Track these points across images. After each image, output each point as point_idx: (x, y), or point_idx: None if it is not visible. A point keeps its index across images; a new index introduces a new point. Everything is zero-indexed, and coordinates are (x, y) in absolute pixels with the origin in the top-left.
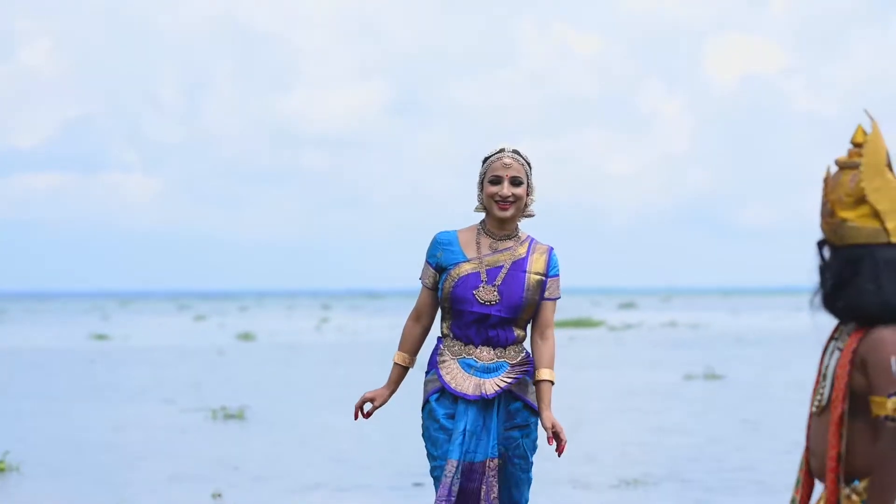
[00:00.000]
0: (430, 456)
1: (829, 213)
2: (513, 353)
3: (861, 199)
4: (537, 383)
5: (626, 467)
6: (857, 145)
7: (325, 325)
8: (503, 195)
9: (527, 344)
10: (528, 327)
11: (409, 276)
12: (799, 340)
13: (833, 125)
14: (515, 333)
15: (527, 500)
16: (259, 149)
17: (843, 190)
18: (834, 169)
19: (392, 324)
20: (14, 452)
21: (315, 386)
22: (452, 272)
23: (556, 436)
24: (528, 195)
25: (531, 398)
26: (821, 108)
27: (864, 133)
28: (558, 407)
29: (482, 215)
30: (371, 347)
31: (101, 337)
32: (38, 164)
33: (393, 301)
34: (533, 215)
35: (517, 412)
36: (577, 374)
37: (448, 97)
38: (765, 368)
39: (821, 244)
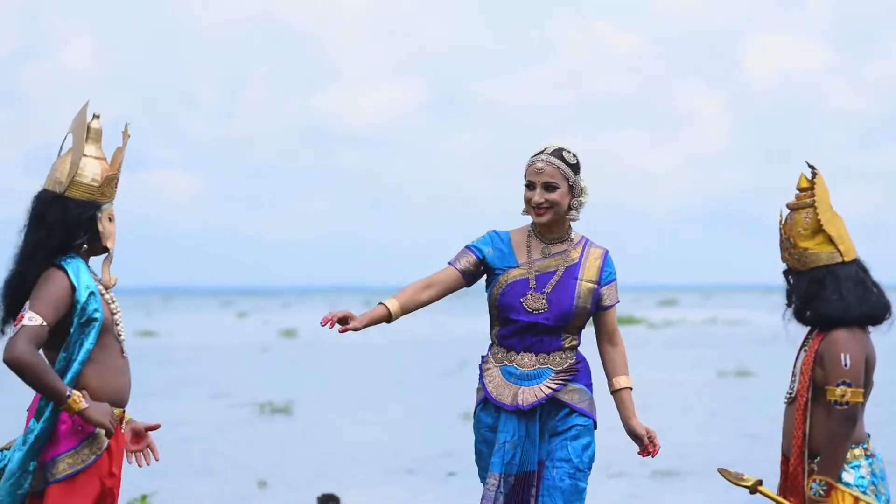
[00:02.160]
0: (477, 465)
1: (791, 246)
2: (558, 360)
3: (817, 230)
4: (616, 393)
5: (658, 459)
6: (803, 190)
7: None
8: (536, 202)
9: (582, 349)
10: (579, 334)
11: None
12: None
13: (872, 122)
14: (563, 340)
15: None
16: (297, 147)
17: (800, 225)
18: (786, 212)
19: (435, 321)
20: None
21: (358, 382)
22: (501, 278)
23: (651, 441)
24: (573, 197)
25: (579, 404)
26: (859, 105)
27: (808, 179)
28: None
29: (529, 218)
30: (413, 345)
31: (147, 333)
32: None
33: None
34: (576, 219)
35: (561, 419)
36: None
37: (484, 95)
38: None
39: (786, 273)
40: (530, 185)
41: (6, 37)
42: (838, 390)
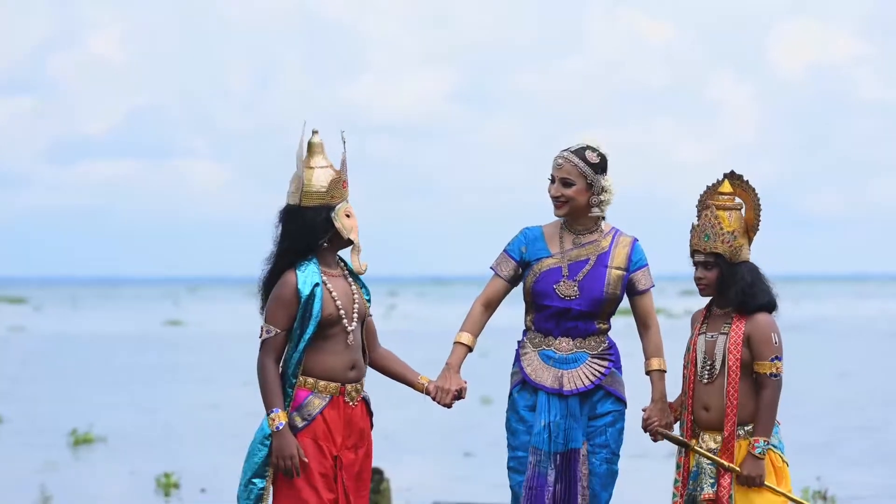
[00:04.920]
0: (509, 446)
1: (733, 239)
2: (593, 344)
3: (748, 229)
4: (648, 374)
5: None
6: (727, 194)
7: (393, 311)
8: (552, 195)
9: (612, 334)
10: (611, 319)
11: (477, 262)
12: (860, 328)
13: None
14: (596, 325)
15: (609, 496)
16: (327, 136)
17: (739, 223)
18: (708, 211)
19: (461, 311)
20: (99, 426)
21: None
22: (535, 267)
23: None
24: (592, 195)
25: (616, 388)
26: (890, 95)
27: (731, 185)
28: None
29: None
30: (439, 335)
31: (175, 323)
32: (108, 152)
33: (460, 287)
34: (600, 215)
35: (599, 401)
36: (625, 362)
37: (515, 85)
38: (810, 357)
39: (714, 262)
40: (552, 179)
41: (35, 25)
42: (773, 364)
